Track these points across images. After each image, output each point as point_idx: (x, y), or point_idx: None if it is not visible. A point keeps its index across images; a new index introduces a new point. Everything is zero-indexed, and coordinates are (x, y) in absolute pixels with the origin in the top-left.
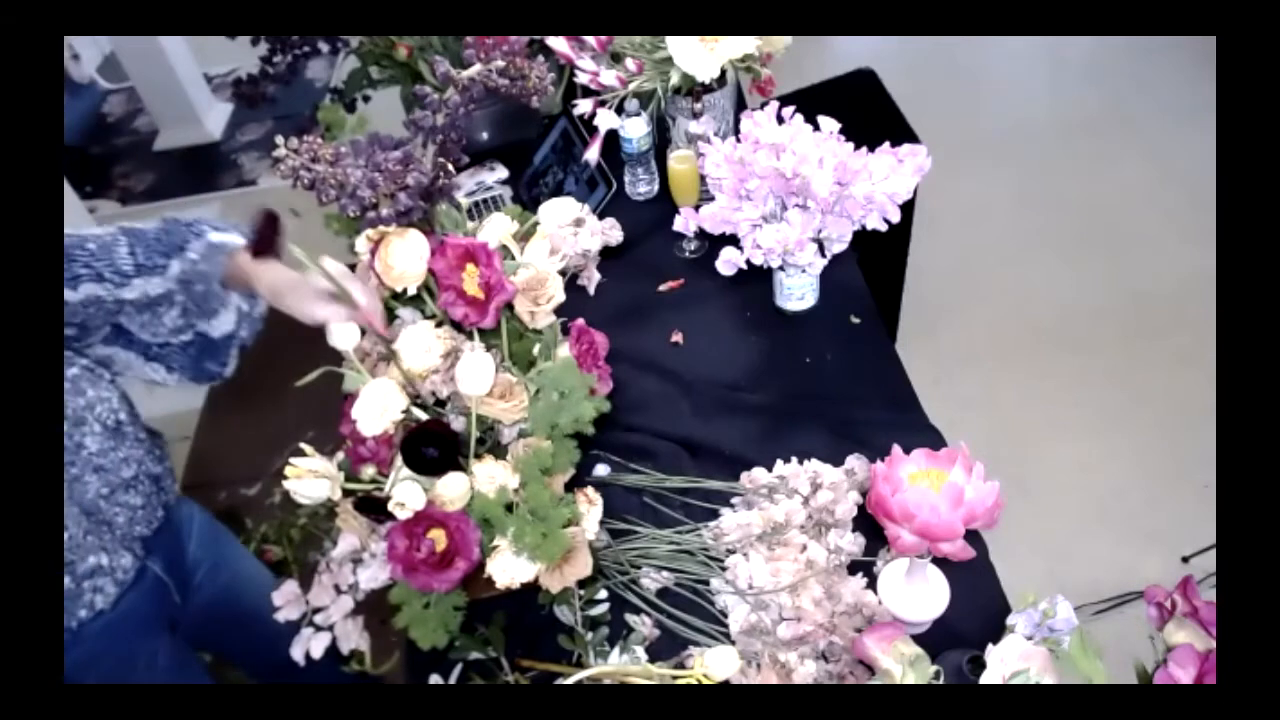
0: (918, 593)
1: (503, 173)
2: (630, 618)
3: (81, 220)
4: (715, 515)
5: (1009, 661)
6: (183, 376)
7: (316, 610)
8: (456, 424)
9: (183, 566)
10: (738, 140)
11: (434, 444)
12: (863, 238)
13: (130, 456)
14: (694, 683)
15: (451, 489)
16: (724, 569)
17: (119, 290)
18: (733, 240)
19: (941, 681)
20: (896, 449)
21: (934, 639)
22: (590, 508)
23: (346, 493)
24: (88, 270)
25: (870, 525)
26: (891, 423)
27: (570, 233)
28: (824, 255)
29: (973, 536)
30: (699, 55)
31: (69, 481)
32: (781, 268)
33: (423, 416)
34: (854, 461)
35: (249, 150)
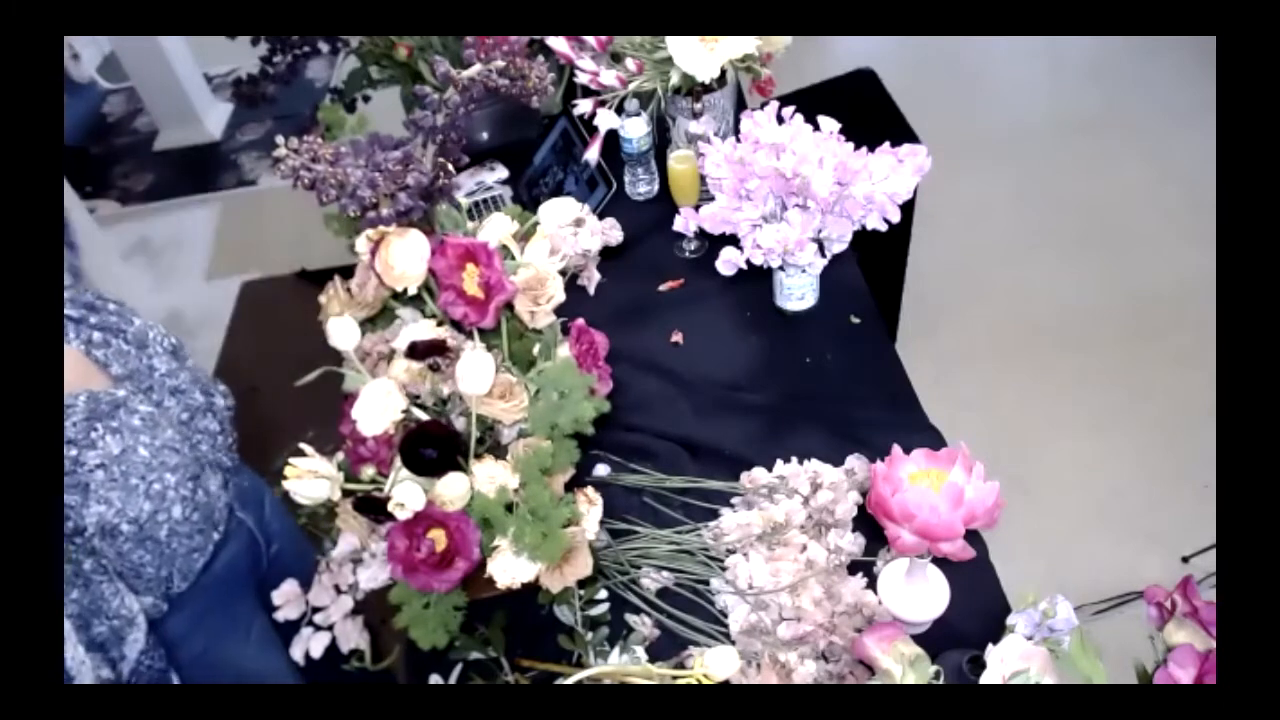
0: (918, 593)
1: (503, 173)
2: (630, 618)
3: (81, 219)
4: (715, 515)
5: (1009, 661)
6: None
7: (316, 610)
8: (456, 424)
9: (265, 530)
10: (738, 140)
11: (433, 445)
12: (863, 238)
13: (194, 379)
14: (694, 683)
15: (451, 489)
16: (724, 569)
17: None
18: (733, 240)
19: (941, 681)
20: (896, 449)
21: (934, 639)
22: (590, 508)
23: (346, 493)
24: None
25: (870, 525)
26: (891, 423)
27: (570, 233)
28: (824, 255)
29: (973, 536)
30: (699, 55)
31: (156, 405)
32: (781, 268)
33: (423, 416)
34: (854, 461)
35: (249, 150)
